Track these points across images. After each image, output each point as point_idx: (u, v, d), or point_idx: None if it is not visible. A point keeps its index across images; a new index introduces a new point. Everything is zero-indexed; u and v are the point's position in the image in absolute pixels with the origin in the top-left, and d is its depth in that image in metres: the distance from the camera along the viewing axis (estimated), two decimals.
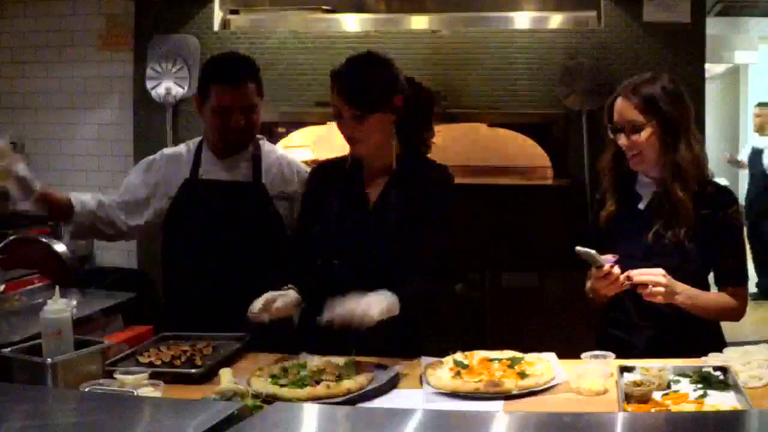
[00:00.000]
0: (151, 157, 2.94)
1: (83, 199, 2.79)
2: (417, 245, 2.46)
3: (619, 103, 2.47)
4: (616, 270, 2.38)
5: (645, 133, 2.43)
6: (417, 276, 2.44)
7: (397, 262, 2.46)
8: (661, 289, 2.34)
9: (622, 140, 2.45)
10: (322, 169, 2.68)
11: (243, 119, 2.73)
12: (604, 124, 2.55)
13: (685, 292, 2.39)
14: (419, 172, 2.54)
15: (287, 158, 2.96)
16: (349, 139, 2.50)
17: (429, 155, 2.62)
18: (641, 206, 2.53)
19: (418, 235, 2.47)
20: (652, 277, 2.35)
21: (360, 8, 4.49)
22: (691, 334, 2.41)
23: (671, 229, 2.44)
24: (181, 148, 2.92)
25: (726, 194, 2.51)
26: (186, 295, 2.79)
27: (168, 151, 2.96)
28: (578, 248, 2.37)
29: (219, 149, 2.82)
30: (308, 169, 2.93)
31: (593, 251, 2.37)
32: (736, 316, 2.50)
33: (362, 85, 2.45)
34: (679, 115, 2.45)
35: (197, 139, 2.91)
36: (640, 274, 2.37)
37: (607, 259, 2.41)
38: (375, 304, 2.25)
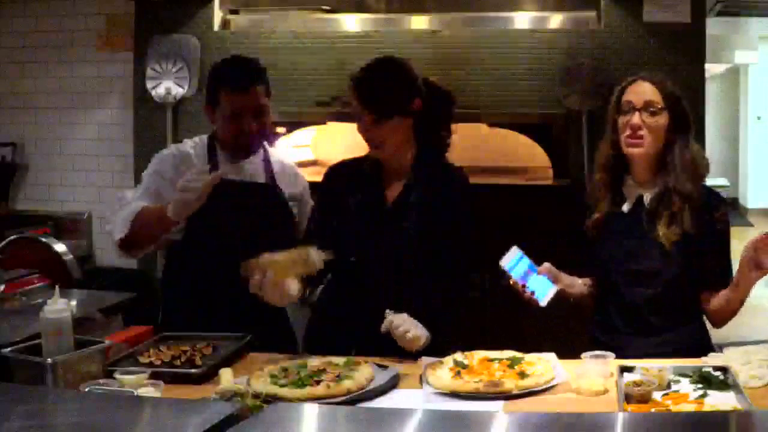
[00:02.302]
0: (162, 153, 2.88)
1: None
2: (442, 253, 2.50)
3: (641, 84, 2.47)
4: (527, 295, 2.42)
5: (660, 118, 2.44)
6: (445, 284, 2.51)
7: (418, 265, 2.49)
8: None
9: (635, 118, 2.43)
10: (341, 168, 2.71)
11: (255, 122, 2.73)
12: (612, 104, 2.52)
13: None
14: (437, 174, 2.57)
15: (288, 161, 3.02)
16: (368, 142, 2.54)
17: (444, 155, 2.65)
18: (625, 209, 2.52)
19: (443, 243, 2.51)
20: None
21: (360, 8, 4.48)
22: (677, 341, 2.39)
23: (656, 231, 2.43)
24: (188, 145, 2.89)
25: (714, 197, 2.50)
26: (190, 294, 2.78)
27: (176, 148, 2.92)
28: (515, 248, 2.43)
29: (234, 152, 2.81)
30: (303, 174, 2.98)
31: (508, 265, 2.41)
32: (719, 321, 2.48)
33: (380, 90, 2.49)
34: (689, 114, 2.49)
35: (202, 138, 2.89)
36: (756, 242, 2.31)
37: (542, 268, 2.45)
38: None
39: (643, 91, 2.46)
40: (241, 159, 2.82)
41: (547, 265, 2.46)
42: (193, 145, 2.87)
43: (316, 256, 2.36)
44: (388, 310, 2.36)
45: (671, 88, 2.48)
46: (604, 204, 2.53)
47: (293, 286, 2.40)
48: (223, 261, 2.73)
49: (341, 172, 2.68)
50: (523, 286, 2.41)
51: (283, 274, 2.37)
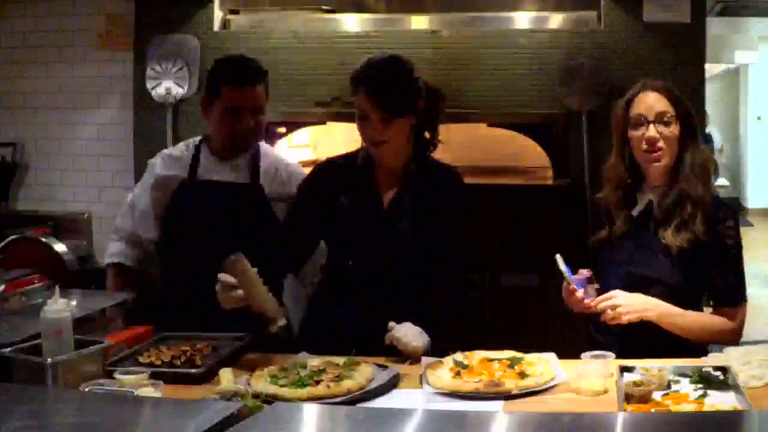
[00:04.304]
0: (150, 160, 2.98)
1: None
2: (443, 255, 2.50)
3: (649, 95, 2.44)
4: (579, 294, 2.39)
5: (674, 128, 2.42)
6: (445, 288, 2.52)
7: (415, 266, 2.49)
8: (621, 310, 2.33)
9: (651, 131, 2.40)
10: (331, 167, 2.67)
11: (252, 121, 2.75)
12: (617, 118, 2.50)
13: (660, 309, 2.36)
14: (432, 175, 2.56)
15: (285, 162, 3.01)
16: (373, 142, 2.50)
17: (431, 155, 2.64)
18: (634, 213, 2.50)
19: (442, 245, 2.51)
20: (606, 302, 2.35)
21: (360, 8, 4.48)
22: (668, 343, 2.37)
23: (663, 236, 2.41)
24: (181, 147, 2.94)
25: (723, 208, 2.46)
26: (183, 295, 2.80)
27: (167, 151, 2.98)
28: (558, 257, 2.39)
29: (224, 150, 2.83)
30: (305, 173, 2.96)
31: (564, 268, 2.38)
32: (730, 337, 2.41)
33: (392, 89, 2.45)
34: (696, 118, 2.48)
35: (197, 139, 2.93)
36: (593, 305, 2.37)
37: (582, 274, 2.42)
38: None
39: (652, 102, 2.43)
40: (229, 158, 2.83)
41: (585, 272, 2.47)
42: (186, 146, 2.92)
43: (274, 325, 2.33)
44: (391, 323, 2.36)
45: (677, 95, 2.45)
46: (616, 224, 2.50)
47: (239, 304, 2.37)
48: (204, 261, 2.76)
49: (331, 171, 2.64)
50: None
51: (246, 299, 2.34)
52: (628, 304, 2.35)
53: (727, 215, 2.46)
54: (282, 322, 2.35)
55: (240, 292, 2.31)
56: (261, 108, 2.78)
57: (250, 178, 2.84)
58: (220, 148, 2.84)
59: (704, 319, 2.43)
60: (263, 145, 2.94)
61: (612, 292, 2.38)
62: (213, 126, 2.83)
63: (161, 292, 2.93)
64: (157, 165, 2.90)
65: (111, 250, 2.99)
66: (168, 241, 2.88)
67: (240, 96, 2.73)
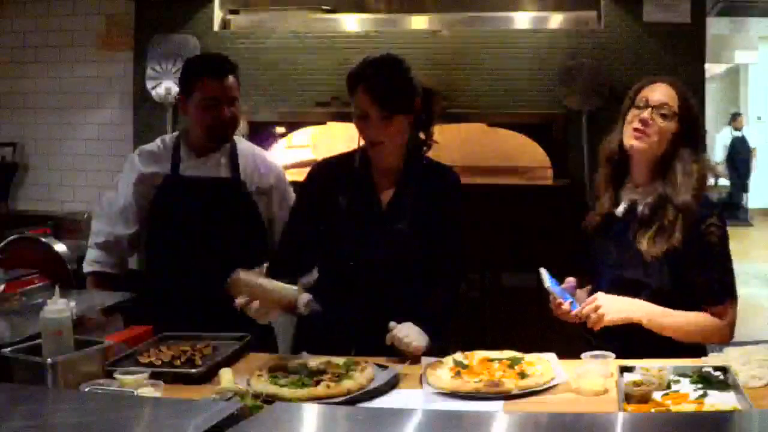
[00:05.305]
0: (129, 156, 3.02)
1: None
2: (439, 254, 2.51)
3: (660, 85, 2.43)
4: (566, 306, 2.37)
5: (671, 123, 2.39)
6: (442, 286, 2.52)
7: (414, 266, 2.48)
8: (602, 311, 2.31)
9: (645, 114, 2.38)
10: (327, 167, 2.67)
11: (229, 111, 2.82)
12: (626, 102, 2.48)
13: (647, 311, 2.34)
14: (429, 175, 2.56)
15: (261, 154, 3.06)
16: (372, 141, 2.49)
17: (428, 154, 2.63)
18: (618, 212, 2.49)
19: (441, 244, 2.51)
20: (589, 306, 2.34)
21: (360, 8, 4.49)
22: (662, 343, 2.34)
23: (642, 239, 2.38)
24: (157, 143, 2.97)
25: (706, 206, 2.41)
26: (169, 291, 2.83)
27: (144, 148, 3.01)
28: (543, 271, 2.39)
29: (201, 145, 2.87)
30: (279, 165, 3.04)
31: (549, 284, 2.38)
32: (720, 336, 2.37)
33: (392, 86, 2.45)
34: (701, 125, 2.47)
35: (173, 135, 2.98)
36: (578, 312, 2.36)
37: (569, 283, 2.43)
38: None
39: (660, 91, 2.42)
40: (206, 153, 2.86)
41: (571, 280, 2.46)
42: (162, 142, 2.95)
43: (302, 305, 2.29)
44: (392, 323, 2.36)
45: (689, 97, 2.43)
46: (603, 203, 2.51)
47: (274, 314, 2.36)
48: (188, 258, 2.79)
49: (328, 173, 2.63)
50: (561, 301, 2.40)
51: (267, 305, 2.30)
52: (608, 305, 2.33)
53: (711, 213, 2.40)
54: (306, 297, 2.29)
55: (256, 303, 2.28)
56: (236, 98, 2.85)
57: (230, 173, 2.87)
58: (200, 142, 2.87)
59: (693, 318, 2.38)
60: (239, 139, 2.99)
61: (594, 296, 2.37)
62: (192, 119, 2.88)
63: (146, 290, 2.93)
64: (137, 161, 2.93)
65: (88, 258, 2.97)
66: (153, 239, 2.90)
67: (217, 86, 2.80)
